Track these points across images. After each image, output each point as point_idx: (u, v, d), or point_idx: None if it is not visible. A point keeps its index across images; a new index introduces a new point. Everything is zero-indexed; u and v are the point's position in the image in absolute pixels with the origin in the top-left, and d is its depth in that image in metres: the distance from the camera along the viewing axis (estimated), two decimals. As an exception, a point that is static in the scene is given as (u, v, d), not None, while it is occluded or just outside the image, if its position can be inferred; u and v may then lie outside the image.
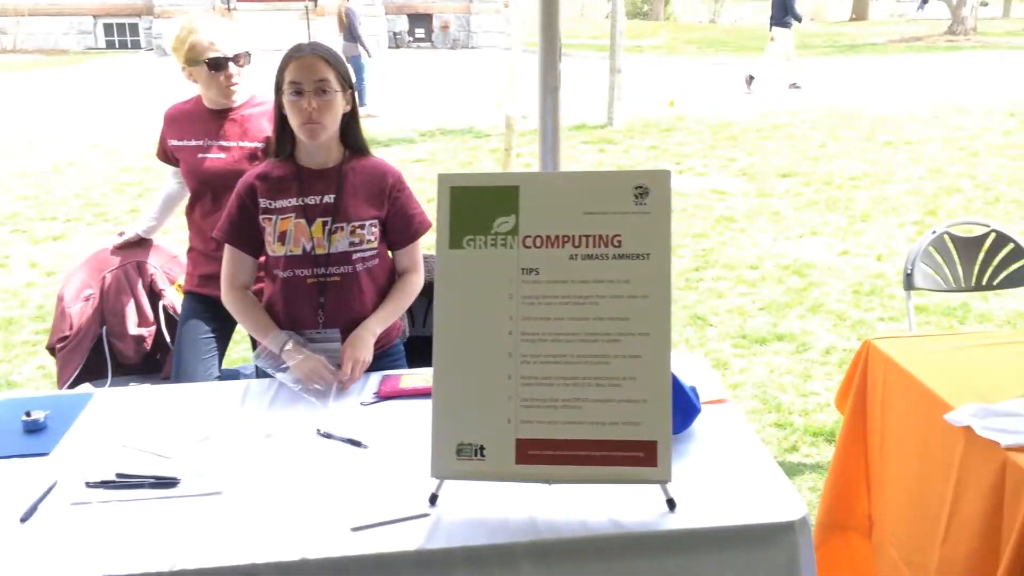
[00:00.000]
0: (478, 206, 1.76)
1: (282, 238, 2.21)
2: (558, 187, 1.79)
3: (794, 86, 13.38)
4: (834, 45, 21.61)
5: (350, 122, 2.27)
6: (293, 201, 2.22)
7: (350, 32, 12.09)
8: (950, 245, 3.19)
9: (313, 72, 2.15)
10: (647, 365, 1.70)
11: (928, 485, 2.11)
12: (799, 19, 13.22)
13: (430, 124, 11.10)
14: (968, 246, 3.19)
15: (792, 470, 3.28)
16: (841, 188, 7.51)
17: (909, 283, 3.13)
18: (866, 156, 8.70)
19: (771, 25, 13.19)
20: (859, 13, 32.32)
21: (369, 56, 12.41)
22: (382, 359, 2.29)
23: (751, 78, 13.42)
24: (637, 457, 1.68)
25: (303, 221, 2.21)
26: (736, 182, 7.88)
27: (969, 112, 10.93)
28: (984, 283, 3.18)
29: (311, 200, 2.22)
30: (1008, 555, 1.78)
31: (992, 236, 3.17)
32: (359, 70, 11.96)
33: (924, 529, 2.11)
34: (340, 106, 2.21)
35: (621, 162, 8.72)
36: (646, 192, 1.75)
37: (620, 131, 10.24)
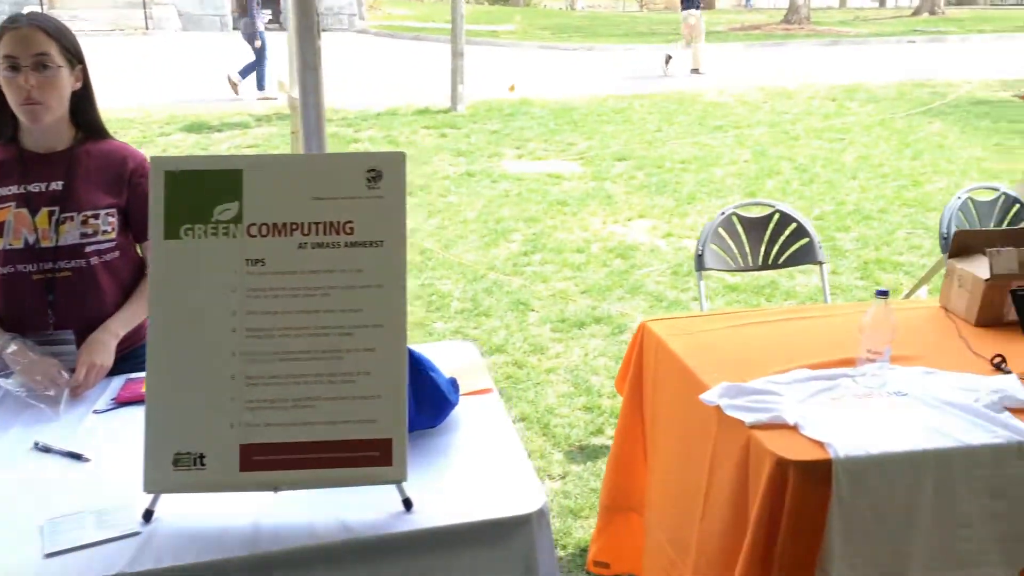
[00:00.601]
0: (197, 192, 1.62)
1: (0, 230, 1.99)
2: (285, 171, 1.66)
3: (695, 71, 13.85)
4: (678, 33, 22.29)
5: (81, 101, 2.06)
6: (13, 188, 2.00)
7: (245, 9, 11.51)
8: (738, 226, 3.27)
9: (30, 45, 1.94)
10: (381, 359, 1.61)
11: (689, 465, 2.13)
12: (697, 5, 13.65)
13: (269, 108, 10.69)
14: (755, 226, 3.29)
15: (594, 453, 3.31)
16: (671, 171, 7.71)
17: (700, 264, 3.19)
18: (697, 140, 8.99)
19: (683, 8, 13.68)
20: (707, 3, 33.59)
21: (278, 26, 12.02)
22: (128, 361, 2.11)
23: (669, 58, 13.88)
24: (372, 457, 1.59)
25: (24, 210, 1.99)
26: (573, 166, 7.97)
27: (794, 97, 11.50)
28: (770, 262, 3.28)
29: (35, 187, 2.01)
30: (751, 531, 1.81)
31: (776, 216, 3.28)
32: (262, 49, 11.45)
33: (685, 508, 2.13)
34: (66, 84, 2.00)
35: (460, 147, 8.65)
36: (379, 176, 1.66)
37: (464, 116, 10.17)
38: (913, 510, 1.83)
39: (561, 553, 2.78)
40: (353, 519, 1.56)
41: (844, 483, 1.77)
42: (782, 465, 1.77)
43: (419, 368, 1.82)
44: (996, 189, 3.51)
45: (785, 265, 3.28)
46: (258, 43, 11.37)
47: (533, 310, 4.70)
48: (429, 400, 1.82)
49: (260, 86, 11.53)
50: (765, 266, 3.29)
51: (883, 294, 2.03)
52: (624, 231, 6.10)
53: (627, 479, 2.52)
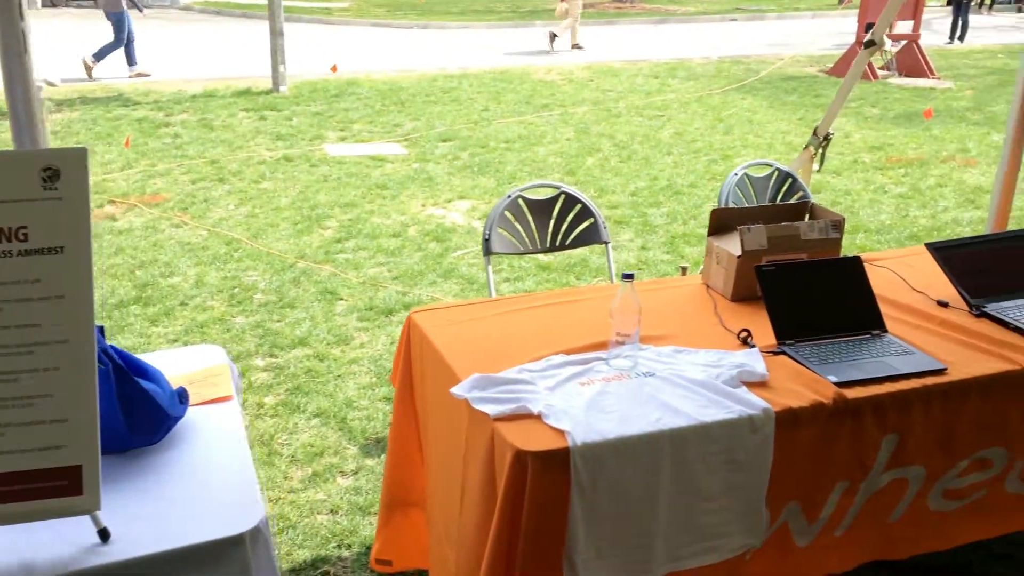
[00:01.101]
0: None
1: None
2: (-56, 173, 1.47)
3: (576, 46, 14.12)
4: (516, 11, 22.39)
5: None
6: None
7: None
8: (524, 208, 3.26)
9: None
10: (66, 378, 1.46)
11: (450, 459, 2.09)
12: None
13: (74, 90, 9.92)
14: (541, 209, 3.29)
15: (389, 445, 3.23)
16: (495, 151, 7.71)
17: (487, 248, 3.16)
18: (523, 119, 9.03)
19: None
20: (543, -19, 33.93)
21: (141, 12, 11.22)
22: None
23: (553, 36, 13.99)
24: (59, 487, 1.45)
25: None
26: (397, 148, 7.82)
27: (620, 75, 11.77)
28: (558, 244, 3.30)
29: None
30: (495, 524, 1.78)
31: (562, 198, 3.29)
32: (121, 27, 10.56)
33: (450, 502, 2.09)
34: None
35: (280, 130, 8.32)
36: (57, 175, 1.49)
37: (286, 98, 9.79)
38: (654, 490, 1.85)
39: (346, 553, 2.70)
40: (40, 557, 1.41)
41: (582, 470, 1.77)
42: (521, 457, 1.74)
43: (131, 381, 1.67)
44: (770, 165, 3.66)
45: (572, 246, 3.30)
46: (119, 21, 10.70)
47: (341, 299, 4.57)
48: (144, 415, 1.68)
49: (132, 62, 10.91)
50: (552, 248, 3.30)
51: (628, 277, 2.05)
52: (443, 213, 6.03)
53: (406, 474, 2.46)
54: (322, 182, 6.66)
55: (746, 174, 3.59)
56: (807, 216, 2.68)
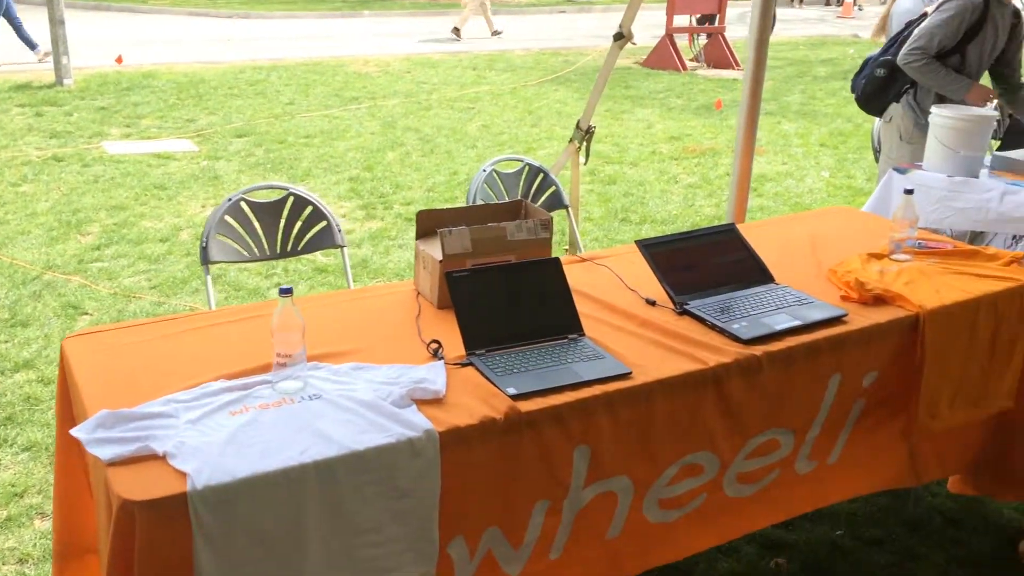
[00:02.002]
0: None
1: None
2: None
3: (496, 33, 14.47)
4: (345, 1, 21.84)
5: None
6: None
7: None
8: (249, 213, 3.02)
9: None
10: None
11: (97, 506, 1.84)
12: None
13: None
14: (268, 212, 3.06)
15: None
16: (292, 147, 7.37)
17: (205, 257, 2.91)
18: (329, 112, 8.71)
19: None
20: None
21: None
22: None
23: (456, 29, 14.15)
24: None
25: None
26: (187, 144, 7.34)
27: (438, 67, 11.61)
28: (289, 249, 3.08)
29: None
30: (106, 587, 1.55)
31: (291, 200, 3.07)
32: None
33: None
34: None
35: (56, 127, 7.64)
36: None
37: (70, 92, 9.04)
38: (302, 529, 1.67)
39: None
40: None
41: (208, 517, 1.57)
42: (127, 508, 1.52)
43: None
44: (520, 160, 3.57)
45: (305, 251, 3.09)
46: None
47: (86, 313, 4.17)
48: None
49: (32, 47, 9.92)
50: (284, 254, 3.08)
51: (286, 292, 1.86)
52: (223, 215, 5.66)
53: (78, 518, 2.17)
54: (92, 183, 6.14)
55: (495, 170, 3.49)
56: (521, 216, 2.58)
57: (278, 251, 3.06)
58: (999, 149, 4.44)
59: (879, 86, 3.95)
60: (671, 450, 2.13)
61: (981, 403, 2.56)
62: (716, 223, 5.81)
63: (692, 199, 6.33)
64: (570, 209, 3.61)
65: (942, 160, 3.66)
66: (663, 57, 12.06)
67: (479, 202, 3.38)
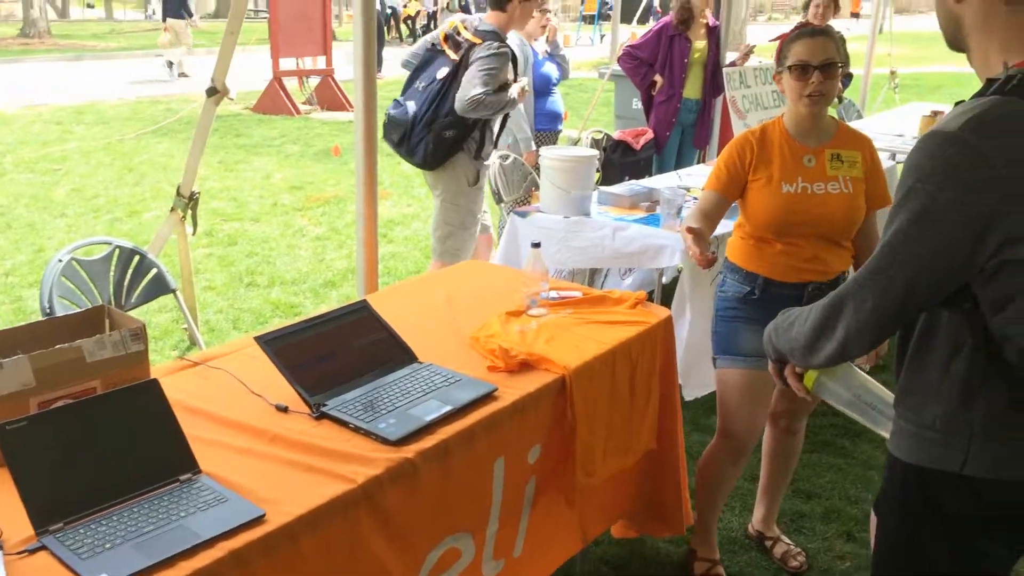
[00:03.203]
0: None
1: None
2: None
3: (183, 75, 14.14)
4: None
5: None
6: None
7: None
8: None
9: None
10: None
11: None
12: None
13: None
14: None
15: None
16: None
17: None
18: None
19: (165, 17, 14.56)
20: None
21: None
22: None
23: (171, 63, 14.62)
24: None
25: None
26: None
27: (12, 123, 10.04)
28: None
29: None
30: None
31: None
32: None
33: None
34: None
35: None
36: None
37: None
38: None
39: None
40: None
41: None
42: None
43: None
44: (108, 243, 2.99)
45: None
46: None
47: None
48: None
49: None
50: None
51: None
52: None
53: None
54: None
55: (75, 259, 2.87)
56: (104, 326, 2.08)
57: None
58: (599, 183, 4.75)
59: (449, 146, 3.93)
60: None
61: (629, 450, 2.56)
62: (350, 275, 5.57)
63: (322, 252, 6.02)
64: (179, 293, 3.10)
65: (556, 201, 3.75)
66: (274, 102, 11.65)
67: (57, 303, 2.75)
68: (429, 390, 2.11)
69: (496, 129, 4.10)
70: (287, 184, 7.90)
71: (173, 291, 3.05)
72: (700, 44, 5.42)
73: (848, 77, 6.61)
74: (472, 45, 3.88)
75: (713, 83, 5.47)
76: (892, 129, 6.16)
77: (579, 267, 3.80)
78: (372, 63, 2.93)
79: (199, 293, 5.06)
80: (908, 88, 11.84)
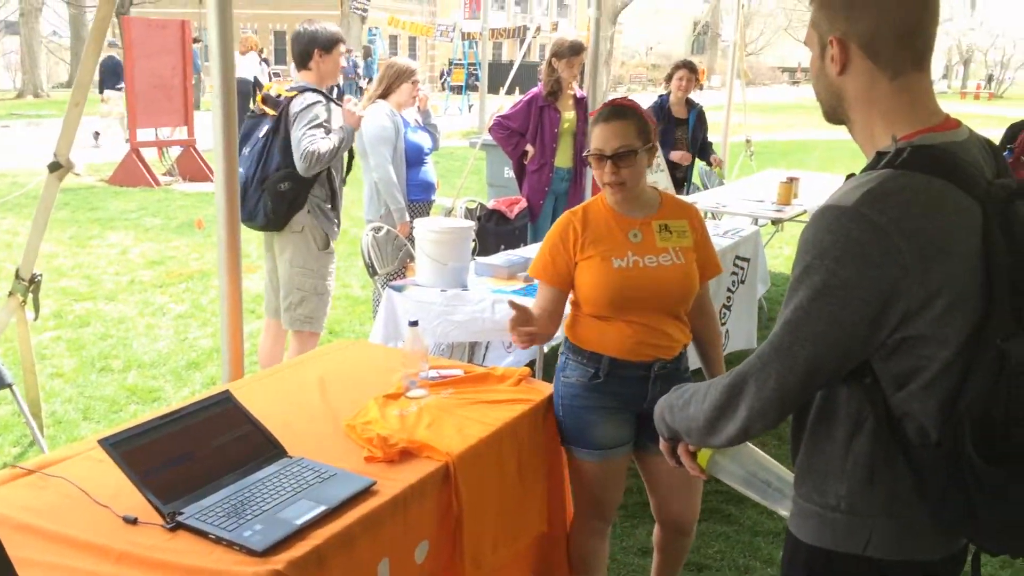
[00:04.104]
0: None
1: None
2: None
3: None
4: None
5: None
6: None
7: None
8: None
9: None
10: None
11: None
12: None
13: None
14: None
15: None
16: None
17: None
18: None
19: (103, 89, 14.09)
20: None
21: None
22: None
23: (97, 134, 14.48)
24: None
25: None
26: None
27: None
28: None
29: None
30: None
31: None
32: None
33: None
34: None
35: None
36: None
37: None
38: None
39: None
40: None
41: None
42: None
43: None
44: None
45: None
46: None
47: None
48: None
49: None
50: None
51: None
52: None
53: None
54: None
55: None
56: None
57: None
58: (474, 253, 4.68)
59: (290, 201, 3.84)
60: None
61: (521, 535, 2.44)
62: (216, 355, 5.24)
63: (184, 331, 5.66)
64: (16, 387, 2.78)
65: (432, 274, 3.65)
66: (131, 173, 11.12)
67: None
68: (300, 488, 1.92)
69: (338, 187, 4.02)
70: (145, 259, 7.47)
71: (9, 386, 2.73)
72: (569, 115, 5.50)
73: (707, 147, 6.90)
74: (289, 100, 3.87)
75: (583, 152, 5.55)
76: (753, 195, 6.42)
77: (460, 340, 3.68)
78: (233, 132, 2.77)
79: (45, 381, 4.63)
80: (761, 155, 12.52)
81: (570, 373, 2.47)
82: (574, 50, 5.29)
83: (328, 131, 3.87)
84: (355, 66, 24.78)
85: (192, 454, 1.95)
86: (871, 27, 1.33)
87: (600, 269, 2.38)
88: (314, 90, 3.91)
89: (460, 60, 26.56)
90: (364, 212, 4.76)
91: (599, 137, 2.35)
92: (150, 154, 11.92)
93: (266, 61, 19.89)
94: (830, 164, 14.11)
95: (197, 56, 15.96)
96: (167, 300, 6.35)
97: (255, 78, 14.51)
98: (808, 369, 1.31)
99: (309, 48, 3.96)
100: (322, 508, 1.85)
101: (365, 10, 28.37)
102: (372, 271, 4.38)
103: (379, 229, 4.56)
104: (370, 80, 22.70)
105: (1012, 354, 1.22)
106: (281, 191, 3.76)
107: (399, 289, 3.65)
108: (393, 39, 43.55)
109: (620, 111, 2.39)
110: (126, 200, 10.17)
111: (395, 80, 4.73)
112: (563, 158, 5.57)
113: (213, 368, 4.99)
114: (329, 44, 3.99)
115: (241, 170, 3.80)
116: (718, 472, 1.64)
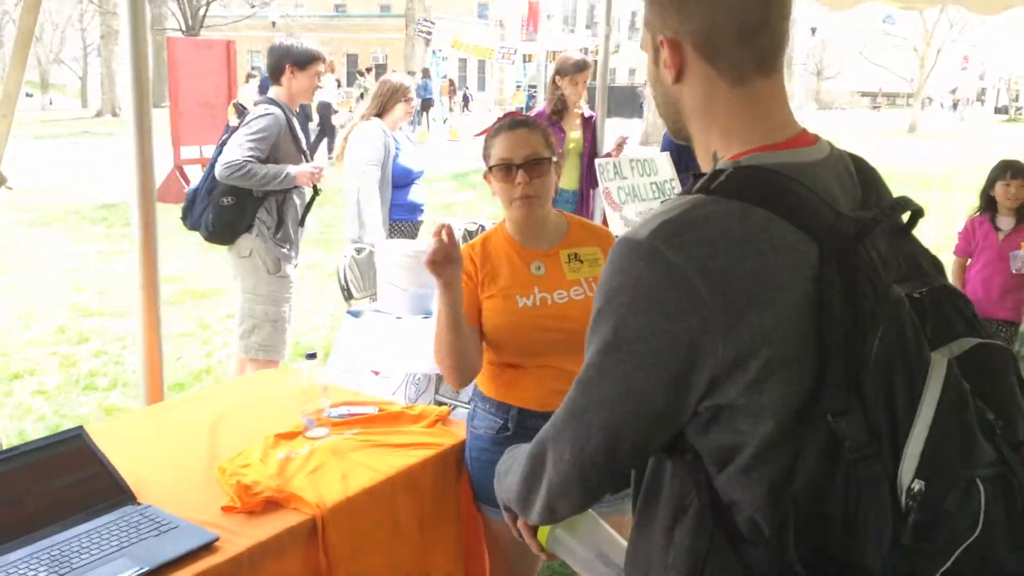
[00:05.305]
0: None
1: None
2: None
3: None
4: None
5: None
6: None
7: None
8: None
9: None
10: None
11: None
12: None
13: None
14: None
15: None
16: None
17: None
18: None
19: None
20: None
21: None
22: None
23: None
24: None
25: None
26: None
27: None
28: None
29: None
30: None
31: None
32: None
33: None
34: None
35: None
36: None
37: None
38: None
39: None
40: None
41: None
42: None
43: None
44: None
45: None
46: None
47: None
48: None
49: None
50: None
51: None
52: None
53: None
54: None
55: None
56: None
57: None
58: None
59: (231, 218, 3.66)
60: None
61: (423, 589, 2.18)
62: (204, 376, 5.12)
63: (180, 351, 5.57)
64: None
65: (392, 300, 3.44)
66: (173, 190, 11.23)
67: None
68: (126, 544, 1.71)
69: (289, 218, 3.81)
70: (164, 276, 7.46)
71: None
72: (575, 135, 5.26)
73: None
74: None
75: (590, 174, 5.30)
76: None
77: (418, 372, 3.45)
78: (147, 136, 2.67)
79: (25, 399, 4.57)
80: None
81: (478, 424, 2.20)
82: (578, 67, 5.05)
83: (266, 151, 3.66)
84: (425, 88, 24.40)
85: (18, 499, 1.76)
86: (706, 23, 1.06)
87: (503, 309, 2.09)
88: (280, 106, 3.75)
89: (519, 82, 26.61)
90: (345, 231, 4.58)
91: (504, 146, 2.09)
92: (194, 171, 12.08)
93: (338, 81, 20.07)
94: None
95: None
96: (176, 318, 6.29)
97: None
98: (607, 441, 1.05)
99: (281, 62, 3.82)
100: (141, 569, 1.63)
101: (429, 32, 28.65)
102: (348, 295, 4.20)
103: (360, 251, 4.38)
104: (422, 101, 22.81)
105: (846, 436, 0.93)
106: (224, 205, 3.61)
107: (356, 315, 3.46)
108: (463, 62, 43.98)
109: (524, 120, 2.15)
110: (164, 216, 10.25)
111: (389, 99, 4.56)
112: (569, 180, 5.32)
113: (197, 389, 4.86)
114: (303, 60, 3.83)
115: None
116: (558, 550, 1.37)
